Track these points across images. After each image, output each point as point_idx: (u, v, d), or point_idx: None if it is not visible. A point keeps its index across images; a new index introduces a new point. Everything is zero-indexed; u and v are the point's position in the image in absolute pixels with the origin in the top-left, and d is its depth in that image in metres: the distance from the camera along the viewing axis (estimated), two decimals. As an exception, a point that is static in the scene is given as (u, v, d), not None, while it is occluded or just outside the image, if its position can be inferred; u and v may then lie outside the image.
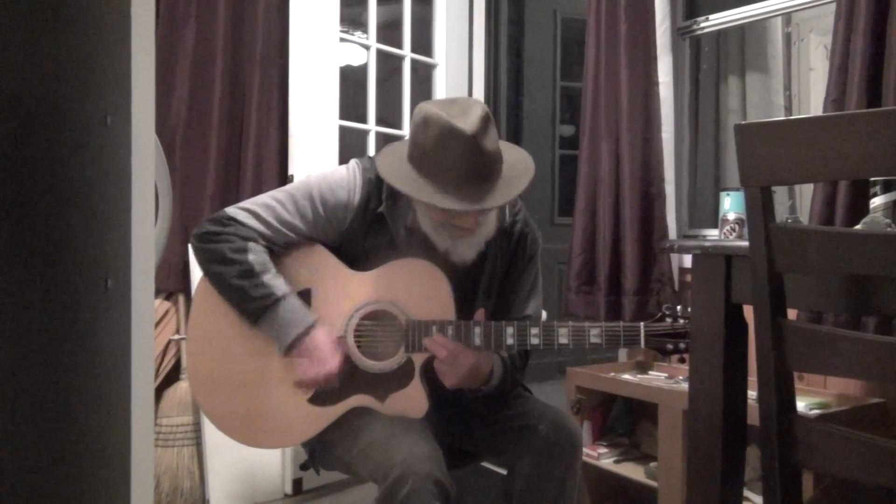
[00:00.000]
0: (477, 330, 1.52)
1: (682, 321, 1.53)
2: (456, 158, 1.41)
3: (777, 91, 3.20)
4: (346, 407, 1.54)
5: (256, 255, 1.49)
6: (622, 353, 2.68)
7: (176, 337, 2.36)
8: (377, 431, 1.47)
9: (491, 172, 1.45)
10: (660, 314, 1.55)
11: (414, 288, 1.54)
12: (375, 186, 1.55)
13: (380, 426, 1.48)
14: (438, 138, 1.41)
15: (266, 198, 1.56)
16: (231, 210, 1.54)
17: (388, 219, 1.55)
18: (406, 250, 1.56)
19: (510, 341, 1.52)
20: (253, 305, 1.48)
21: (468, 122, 1.40)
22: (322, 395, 1.55)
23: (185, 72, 2.41)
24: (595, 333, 1.51)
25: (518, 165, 1.52)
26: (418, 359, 1.54)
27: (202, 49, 2.42)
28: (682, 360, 1.54)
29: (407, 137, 1.54)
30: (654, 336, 1.52)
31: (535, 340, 1.52)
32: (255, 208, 1.54)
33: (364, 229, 1.57)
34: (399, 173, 1.47)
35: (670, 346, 1.52)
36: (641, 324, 1.52)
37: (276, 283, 1.49)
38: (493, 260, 1.63)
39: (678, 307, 1.56)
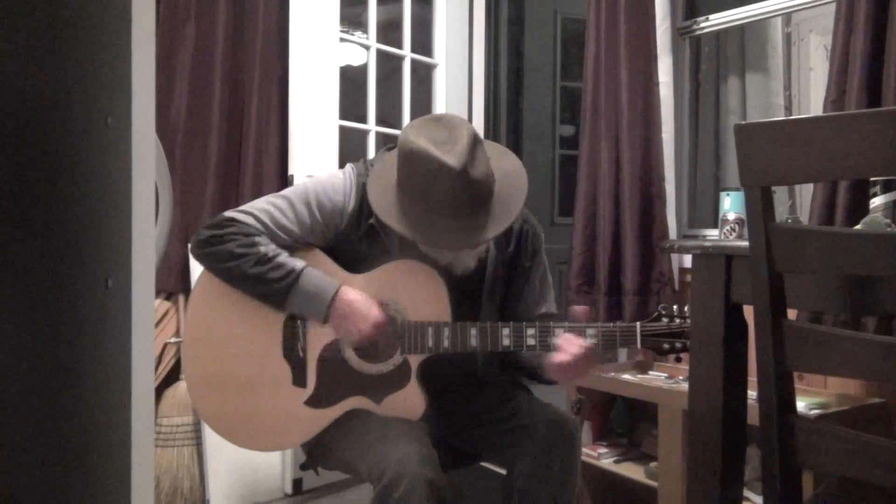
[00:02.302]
0: (473, 331, 1.52)
1: (678, 320, 1.53)
2: (447, 194, 1.39)
3: (777, 91, 3.20)
4: (343, 409, 1.54)
5: (265, 245, 1.50)
6: (622, 353, 2.68)
7: (173, 340, 2.36)
8: (373, 432, 1.47)
9: (484, 199, 1.45)
10: (656, 314, 1.55)
11: (410, 290, 1.54)
12: None
13: (376, 427, 1.48)
14: (426, 174, 1.39)
15: (263, 203, 1.56)
16: (228, 213, 1.54)
17: (380, 230, 1.55)
18: (400, 258, 1.56)
19: (506, 342, 1.52)
20: (276, 287, 1.48)
21: (455, 155, 1.38)
22: (319, 397, 1.55)
23: (185, 72, 2.41)
24: (591, 334, 1.51)
25: (511, 177, 1.50)
26: (415, 360, 1.53)
27: (202, 49, 2.42)
28: (678, 360, 1.54)
29: (395, 150, 1.52)
30: (650, 336, 1.52)
31: (531, 341, 1.52)
32: (253, 211, 1.53)
33: (358, 235, 1.57)
34: (391, 206, 1.46)
35: (667, 346, 1.52)
36: (637, 324, 1.52)
37: (291, 260, 1.50)
38: (493, 260, 1.63)
39: (674, 306, 1.56)
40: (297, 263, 1.49)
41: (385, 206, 1.46)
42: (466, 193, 1.40)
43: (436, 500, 1.35)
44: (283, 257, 1.50)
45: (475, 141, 1.43)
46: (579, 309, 1.54)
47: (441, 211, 1.42)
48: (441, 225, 1.42)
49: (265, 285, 1.49)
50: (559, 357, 1.48)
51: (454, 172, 1.37)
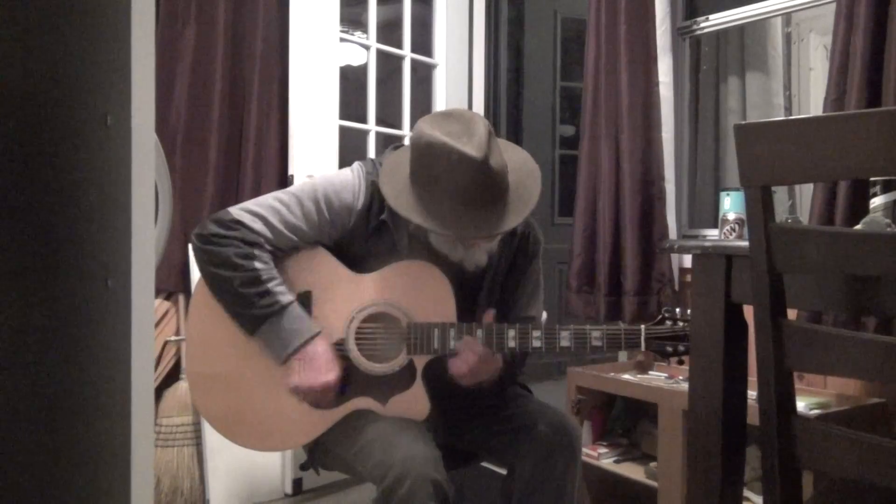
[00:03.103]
0: (479, 333, 1.52)
1: (681, 323, 1.53)
2: (467, 184, 1.39)
3: (777, 91, 3.20)
4: (348, 409, 1.54)
5: (263, 262, 1.48)
6: (622, 354, 2.68)
7: (173, 338, 2.36)
8: (376, 431, 1.47)
9: (502, 189, 1.45)
10: (659, 317, 1.56)
11: (415, 290, 1.54)
12: (378, 191, 1.53)
13: (379, 426, 1.48)
14: (447, 165, 1.38)
15: (271, 199, 1.54)
16: (236, 212, 1.51)
17: (392, 226, 1.54)
18: (409, 255, 1.55)
19: (512, 344, 1.52)
20: (256, 313, 1.47)
21: (475, 145, 1.38)
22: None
23: (185, 72, 2.41)
24: (596, 336, 1.51)
25: (523, 169, 1.51)
26: (420, 361, 1.53)
27: (202, 49, 2.42)
28: (680, 363, 1.55)
29: (403, 145, 1.52)
30: (654, 339, 1.52)
31: (536, 343, 1.52)
32: (261, 211, 1.51)
33: (366, 233, 1.56)
34: (408, 199, 1.45)
35: (670, 349, 1.53)
36: (642, 326, 1.53)
37: (280, 290, 1.48)
38: (495, 260, 1.63)
39: (677, 309, 1.56)
40: (286, 297, 1.48)
41: (402, 202, 1.45)
42: (487, 183, 1.40)
43: (439, 500, 1.35)
44: (274, 284, 1.48)
45: (490, 133, 1.44)
46: (488, 312, 1.58)
47: (462, 201, 1.41)
48: (463, 215, 1.42)
49: (246, 307, 1.47)
50: (456, 362, 1.51)
51: (475, 162, 1.37)
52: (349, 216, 1.55)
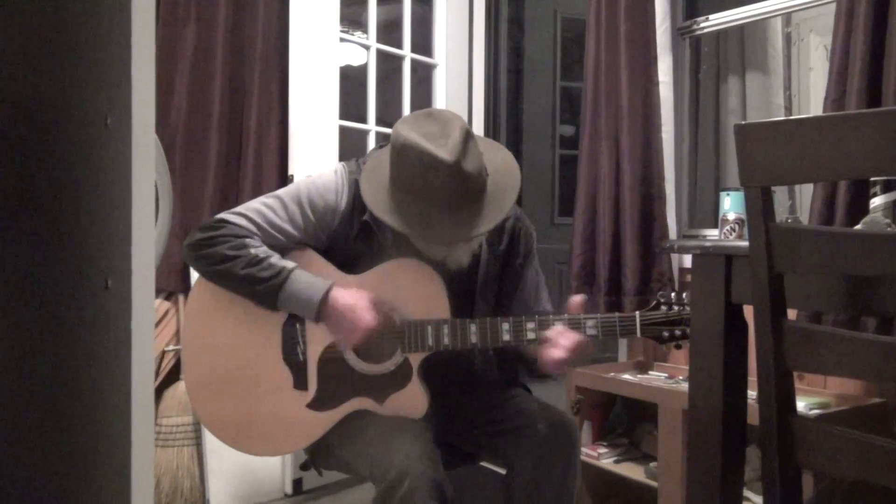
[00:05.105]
0: (473, 327, 1.52)
1: (676, 308, 1.53)
2: (439, 188, 1.39)
3: (777, 91, 3.20)
4: (346, 411, 1.54)
5: (256, 247, 1.49)
6: (622, 354, 2.68)
7: (170, 348, 2.35)
8: (375, 431, 1.47)
9: (477, 193, 1.44)
10: (654, 302, 1.55)
11: (407, 288, 1.54)
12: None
13: (378, 426, 1.48)
14: (419, 168, 1.38)
15: (256, 203, 1.56)
16: (221, 215, 1.53)
17: (374, 227, 1.55)
18: (396, 256, 1.56)
19: (507, 337, 1.52)
20: (266, 286, 1.47)
21: (448, 148, 1.37)
22: (321, 399, 1.54)
23: (185, 72, 2.41)
24: (591, 325, 1.51)
25: (503, 171, 1.50)
26: (416, 358, 1.53)
27: (202, 49, 2.42)
28: (678, 347, 1.53)
29: (387, 147, 1.52)
30: (649, 325, 1.51)
31: (531, 335, 1.52)
32: (246, 212, 1.53)
33: (352, 233, 1.56)
34: (385, 201, 1.46)
35: (666, 334, 1.52)
36: (637, 313, 1.53)
37: (282, 261, 1.49)
38: (487, 258, 1.63)
39: (672, 294, 1.55)
40: (288, 263, 1.49)
41: (378, 201, 1.46)
42: (460, 187, 1.40)
43: (438, 499, 1.35)
44: (275, 259, 1.49)
45: (467, 135, 1.43)
46: (576, 299, 1.55)
47: (435, 205, 1.41)
48: (435, 219, 1.42)
49: (256, 285, 1.48)
50: (552, 351, 1.47)
51: (447, 166, 1.37)
52: (333, 217, 1.55)
